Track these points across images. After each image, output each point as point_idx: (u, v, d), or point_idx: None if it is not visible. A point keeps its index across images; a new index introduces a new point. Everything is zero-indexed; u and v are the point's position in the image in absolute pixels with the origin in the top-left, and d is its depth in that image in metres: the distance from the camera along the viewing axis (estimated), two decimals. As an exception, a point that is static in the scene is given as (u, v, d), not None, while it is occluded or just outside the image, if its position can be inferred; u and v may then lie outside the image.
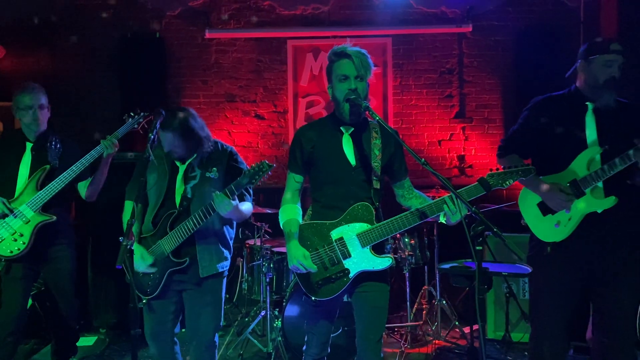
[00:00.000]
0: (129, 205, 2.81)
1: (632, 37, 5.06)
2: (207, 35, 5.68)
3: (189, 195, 2.68)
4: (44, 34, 5.72)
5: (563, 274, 2.63)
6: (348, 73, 2.39)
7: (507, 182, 2.26)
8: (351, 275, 2.38)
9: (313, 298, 2.40)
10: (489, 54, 5.70)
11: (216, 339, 2.81)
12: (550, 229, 2.65)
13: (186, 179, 2.71)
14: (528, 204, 2.76)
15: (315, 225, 2.46)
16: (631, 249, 2.62)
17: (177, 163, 2.74)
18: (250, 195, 2.82)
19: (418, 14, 5.70)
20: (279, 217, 2.55)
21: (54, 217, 3.27)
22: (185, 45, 5.80)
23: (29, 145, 3.39)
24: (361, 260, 2.39)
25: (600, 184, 2.57)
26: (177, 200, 2.69)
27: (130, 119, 3.24)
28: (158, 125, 2.55)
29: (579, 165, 2.61)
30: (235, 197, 2.52)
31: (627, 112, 2.65)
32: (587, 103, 2.65)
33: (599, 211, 2.57)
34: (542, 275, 2.72)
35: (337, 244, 2.40)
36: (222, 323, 2.83)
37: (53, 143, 3.40)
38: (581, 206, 2.59)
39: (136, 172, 2.85)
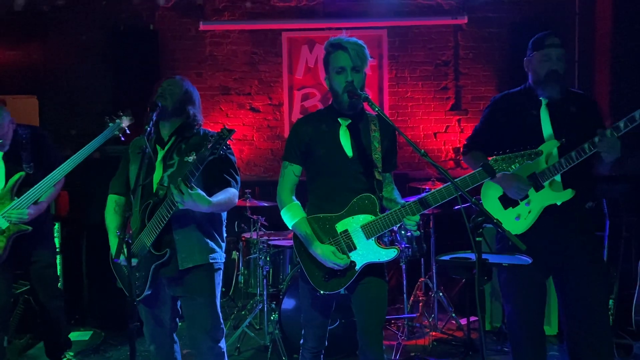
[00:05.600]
0: (111, 200, 2.71)
1: (627, 28, 5.08)
2: (201, 27, 5.63)
3: (165, 184, 2.51)
4: (35, 26, 5.65)
5: (527, 265, 2.66)
6: (344, 65, 2.37)
7: (513, 167, 2.21)
8: (357, 267, 2.37)
9: (322, 292, 2.38)
10: (484, 46, 5.69)
11: (222, 344, 2.62)
12: (511, 222, 2.72)
13: (165, 166, 2.56)
14: (490, 198, 2.83)
15: (320, 219, 2.44)
16: (589, 238, 2.71)
17: (158, 147, 2.59)
18: (236, 181, 2.60)
19: (413, 6, 5.68)
20: (285, 219, 2.50)
21: (30, 228, 3.17)
22: (179, 38, 5.75)
23: (0, 154, 3.27)
24: (367, 252, 2.37)
25: (558, 177, 2.64)
26: (155, 189, 2.53)
27: (110, 124, 3.07)
28: (155, 118, 2.48)
29: (538, 159, 2.64)
30: (198, 184, 2.36)
31: (579, 105, 2.73)
32: (540, 98, 2.72)
33: (558, 203, 2.64)
34: (508, 267, 2.76)
35: (342, 237, 2.39)
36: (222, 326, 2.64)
37: (24, 144, 3.27)
38: (540, 199, 2.65)
39: (121, 166, 2.75)
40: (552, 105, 2.70)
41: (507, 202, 2.74)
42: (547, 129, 2.68)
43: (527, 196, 2.69)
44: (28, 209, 3.13)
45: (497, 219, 1.94)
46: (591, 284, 2.63)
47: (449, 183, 2.18)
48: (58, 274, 3.54)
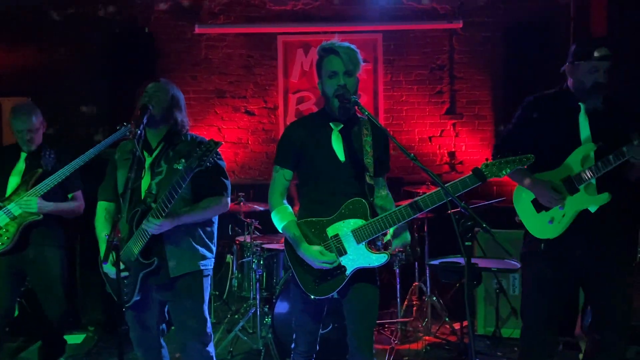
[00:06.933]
0: (101, 207, 2.71)
1: (622, 34, 5.09)
2: (197, 30, 5.62)
3: (154, 192, 2.51)
4: (30, 27, 5.64)
5: (555, 270, 2.64)
6: (336, 69, 2.38)
7: (503, 172, 2.21)
8: (348, 272, 2.36)
9: (312, 297, 2.38)
10: (479, 50, 5.69)
11: (210, 348, 2.64)
12: (544, 226, 2.66)
13: (152, 174, 2.56)
14: (522, 201, 2.77)
15: (311, 223, 2.43)
16: (623, 246, 2.65)
17: (145, 153, 2.59)
18: (225, 187, 2.62)
19: (409, 10, 5.68)
20: (275, 222, 2.50)
21: (41, 216, 3.31)
22: (174, 41, 5.73)
23: (23, 155, 3.48)
24: (357, 256, 2.36)
25: (593, 181, 2.59)
26: (143, 196, 2.53)
27: (122, 128, 3.22)
28: (145, 121, 2.48)
29: (574, 162, 2.62)
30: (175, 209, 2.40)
31: (618, 109, 2.68)
32: (579, 103, 2.67)
33: (595, 208, 2.59)
34: (534, 272, 2.74)
35: (332, 241, 2.38)
36: (209, 330, 2.64)
37: (47, 153, 3.48)
38: (575, 203, 2.60)
39: (108, 172, 2.74)
40: (591, 109, 2.64)
41: (541, 205, 2.67)
42: (585, 131, 2.62)
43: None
44: (37, 199, 3.27)
45: (485, 224, 1.94)
46: (624, 297, 2.60)
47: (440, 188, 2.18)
48: (64, 284, 3.60)
